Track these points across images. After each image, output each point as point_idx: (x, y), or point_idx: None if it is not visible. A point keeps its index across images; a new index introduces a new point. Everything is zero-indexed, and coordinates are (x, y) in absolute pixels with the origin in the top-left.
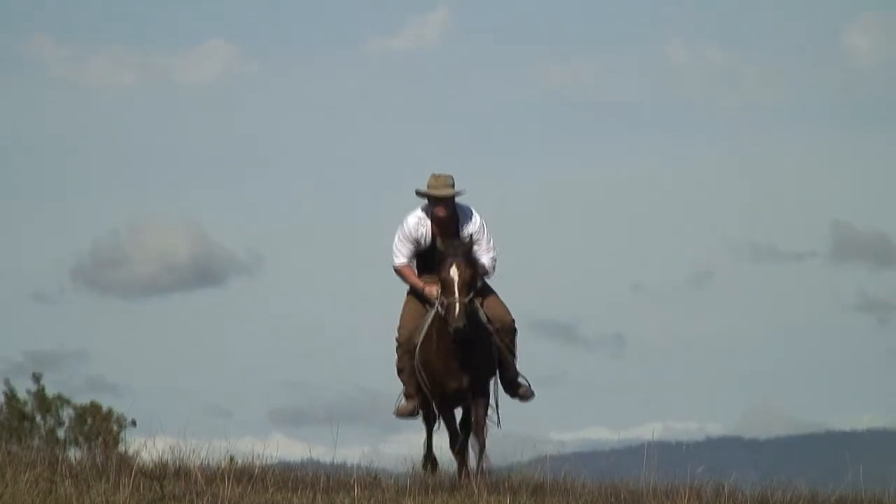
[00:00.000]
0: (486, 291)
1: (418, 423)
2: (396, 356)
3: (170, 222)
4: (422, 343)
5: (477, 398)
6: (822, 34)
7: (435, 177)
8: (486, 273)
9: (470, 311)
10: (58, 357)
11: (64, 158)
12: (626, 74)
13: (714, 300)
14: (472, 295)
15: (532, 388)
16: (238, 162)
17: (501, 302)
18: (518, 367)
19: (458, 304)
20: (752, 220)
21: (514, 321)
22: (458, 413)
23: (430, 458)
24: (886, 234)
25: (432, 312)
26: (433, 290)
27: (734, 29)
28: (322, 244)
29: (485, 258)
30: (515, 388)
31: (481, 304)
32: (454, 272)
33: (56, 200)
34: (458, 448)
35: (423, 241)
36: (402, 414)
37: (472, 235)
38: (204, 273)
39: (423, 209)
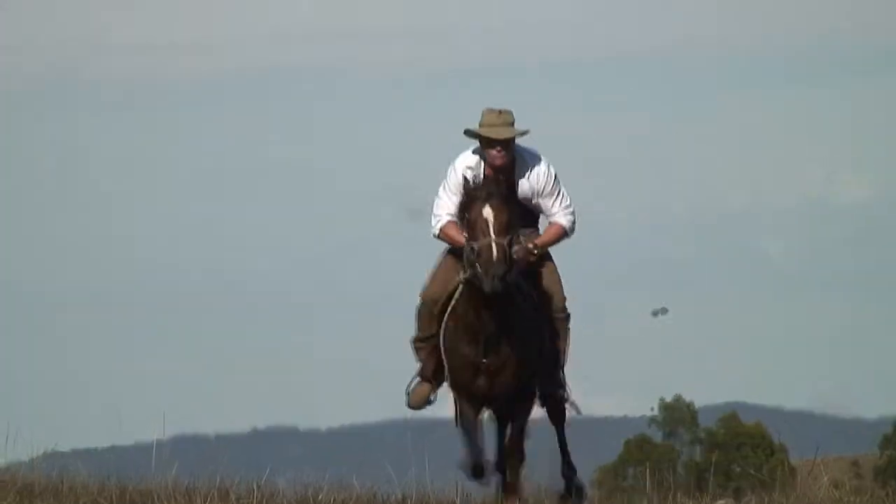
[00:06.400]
0: (544, 259)
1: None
2: (416, 322)
3: None
4: (448, 318)
5: (516, 402)
6: None
7: (492, 112)
8: (563, 235)
9: (509, 266)
10: None
11: None
12: None
13: None
14: (511, 239)
15: (576, 407)
16: None
17: (558, 275)
18: (566, 370)
19: (494, 245)
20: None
21: (565, 301)
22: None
23: (477, 463)
24: None
25: (460, 280)
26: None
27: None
28: None
29: (559, 217)
30: (551, 400)
31: (538, 278)
32: (487, 211)
33: None
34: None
35: None
36: (415, 402)
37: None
38: None
39: (475, 152)
